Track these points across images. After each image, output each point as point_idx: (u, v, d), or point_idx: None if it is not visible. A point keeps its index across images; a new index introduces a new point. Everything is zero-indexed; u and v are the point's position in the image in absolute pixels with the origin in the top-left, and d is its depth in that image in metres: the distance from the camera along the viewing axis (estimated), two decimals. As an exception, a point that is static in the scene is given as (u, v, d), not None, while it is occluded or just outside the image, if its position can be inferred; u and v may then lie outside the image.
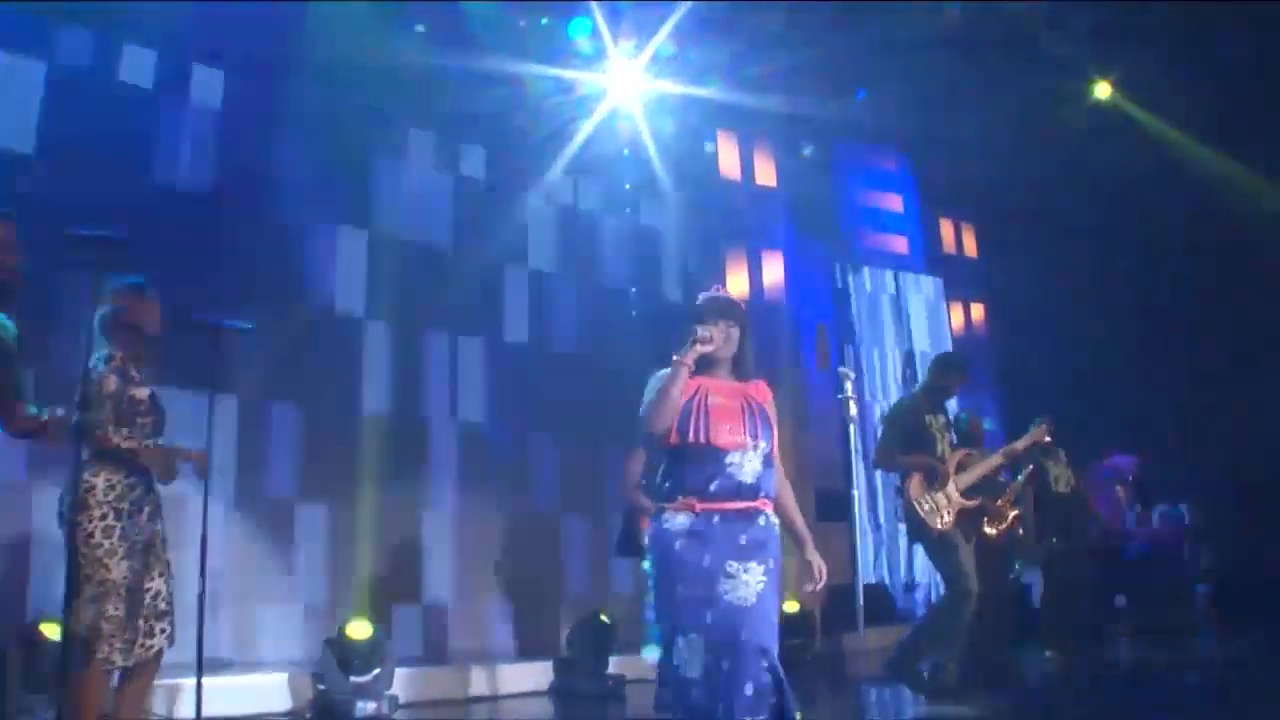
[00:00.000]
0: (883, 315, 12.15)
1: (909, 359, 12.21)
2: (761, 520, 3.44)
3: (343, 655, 6.40)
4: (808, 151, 11.64)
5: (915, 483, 6.33)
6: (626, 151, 10.32)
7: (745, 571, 3.34)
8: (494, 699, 7.21)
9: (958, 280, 12.99)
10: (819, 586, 3.68)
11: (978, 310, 13.22)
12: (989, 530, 6.90)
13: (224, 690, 6.18)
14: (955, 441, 6.72)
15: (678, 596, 3.35)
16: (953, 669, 6.27)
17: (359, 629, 6.47)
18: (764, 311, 10.61)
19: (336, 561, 7.82)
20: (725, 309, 3.60)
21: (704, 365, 3.52)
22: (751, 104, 10.32)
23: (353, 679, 6.37)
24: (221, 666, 6.97)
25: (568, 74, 9.80)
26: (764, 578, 3.36)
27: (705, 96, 10.16)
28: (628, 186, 10.44)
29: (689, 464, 3.42)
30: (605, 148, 10.07)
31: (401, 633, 7.86)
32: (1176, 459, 11.28)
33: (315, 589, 7.70)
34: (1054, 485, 8.07)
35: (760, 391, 3.63)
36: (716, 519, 3.38)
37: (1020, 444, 6.93)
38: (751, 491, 3.42)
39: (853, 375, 5.28)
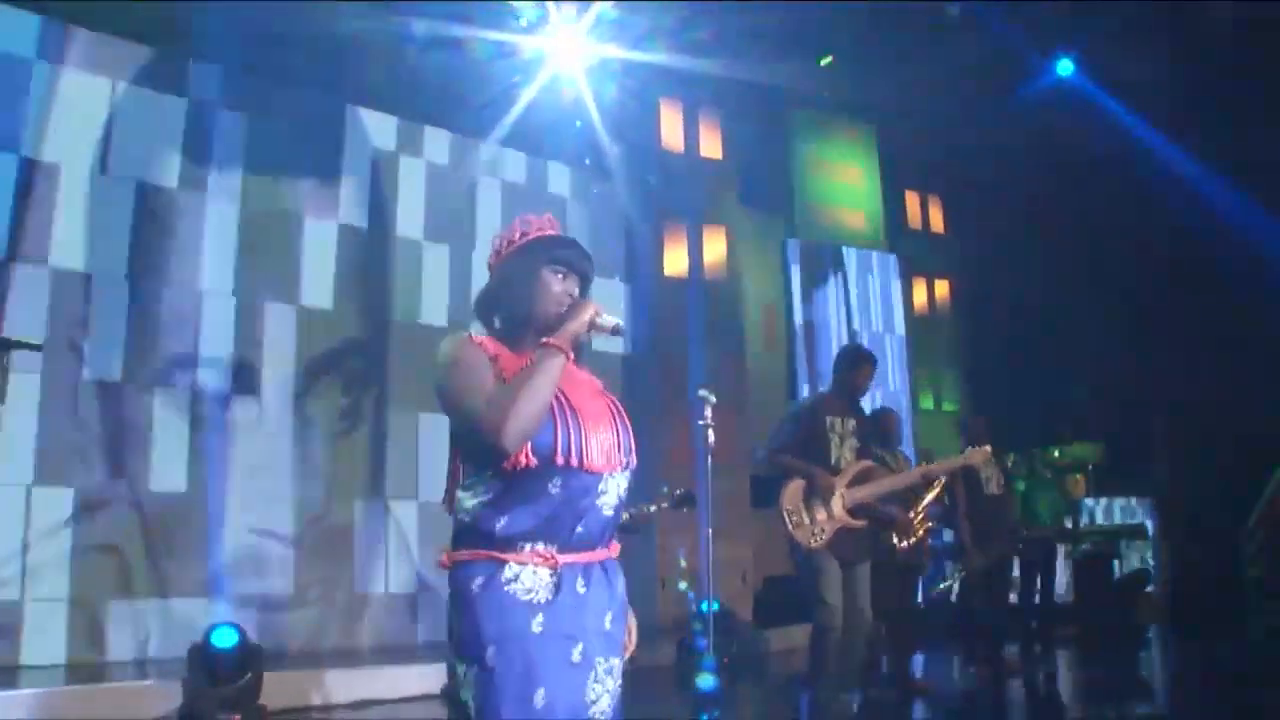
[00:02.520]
0: (836, 294, 11.68)
1: (857, 339, 11.76)
2: (620, 584, 2.44)
3: (207, 663, 6.10)
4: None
5: (790, 491, 5.61)
6: (579, 123, 9.87)
7: (610, 674, 2.33)
8: (378, 703, 6.88)
9: (922, 256, 12.51)
10: (626, 655, 2.52)
11: (942, 287, 12.74)
12: (897, 544, 6.50)
13: (87, 696, 6.02)
14: (860, 449, 5.85)
15: (538, 705, 2.18)
16: (841, 699, 5.82)
17: (224, 636, 6.14)
18: (705, 290, 10.19)
19: (207, 557, 7.49)
20: (581, 257, 2.50)
21: (529, 341, 2.40)
22: (699, 70, 9.84)
23: (218, 688, 6.09)
24: (85, 672, 6.72)
25: (508, 38, 9.36)
26: (621, 681, 2.38)
27: (650, 62, 9.71)
28: (587, 162, 9.99)
29: (548, 496, 2.27)
30: (544, 115, 9.63)
31: (280, 635, 7.60)
32: (1142, 450, 10.87)
33: (184, 586, 7.38)
34: (985, 486, 7.62)
35: (591, 378, 2.59)
36: (580, 582, 2.29)
37: (944, 465, 6.42)
38: (612, 531, 2.41)
39: (713, 399, 4.75)
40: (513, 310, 2.45)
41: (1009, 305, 11.50)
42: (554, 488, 2.27)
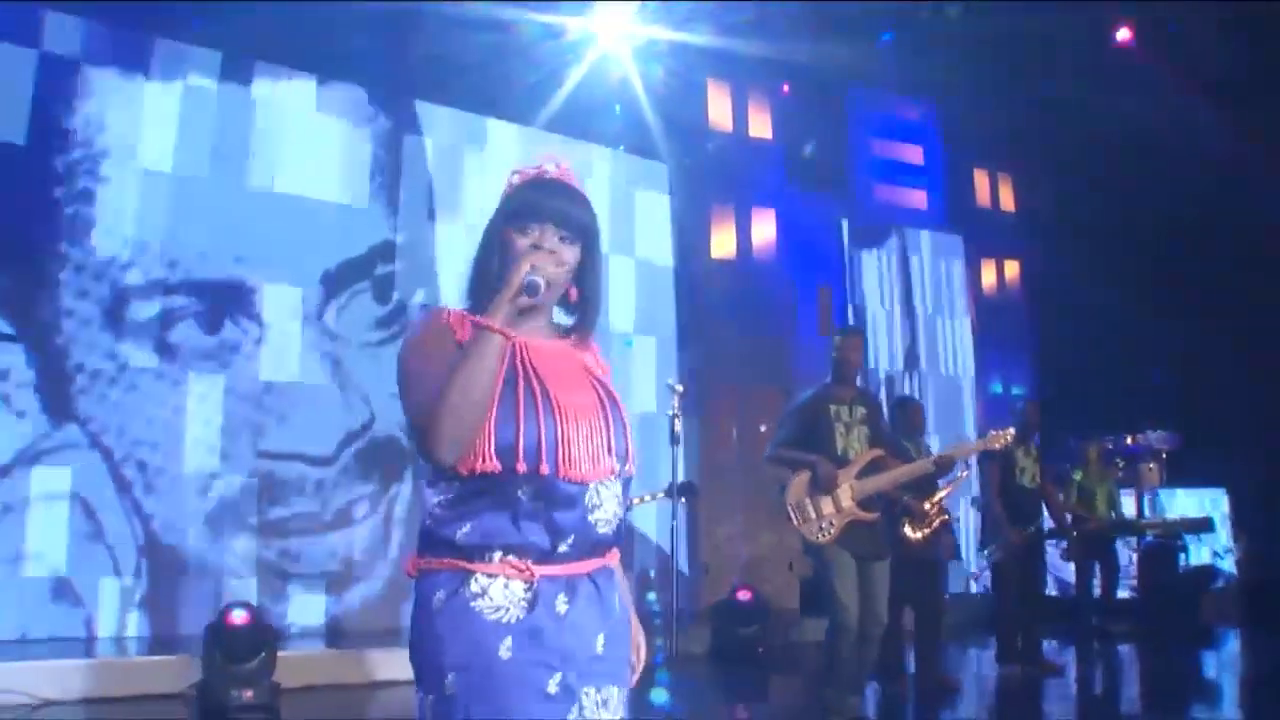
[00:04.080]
0: (894, 275, 11.37)
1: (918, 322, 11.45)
2: (617, 600, 2.05)
3: (223, 641, 6.26)
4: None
5: (796, 485, 5.42)
6: (618, 108, 9.79)
7: (603, 706, 1.95)
8: (398, 685, 6.91)
9: (991, 236, 12.09)
10: (633, 677, 2.16)
11: (1012, 267, 12.31)
12: (911, 534, 6.28)
13: (107, 670, 6.23)
14: (872, 437, 5.59)
15: None
16: (851, 702, 5.62)
17: (239, 614, 6.29)
18: (752, 272, 10.03)
19: (234, 537, 7.58)
20: (563, 207, 2.03)
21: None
22: (749, 50, 9.65)
23: (233, 665, 6.24)
24: (107, 645, 6.97)
25: (550, 19, 9.32)
26: (624, 713, 2.02)
27: (698, 42, 9.56)
28: (621, 148, 9.89)
29: (517, 505, 1.89)
30: (592, 100, 9.57)
31: (306, 614, 7.71)
32: (1219, 440, 10.34)
33: (213, 563, 7.49)
34: (1018, 477, 7.32)
35: (598, 360, 2.16)
36: (563, 599, 1.92)
37: (959, 450, 6.15)
38: (608, 543, 2.01)
39: (681, 389, 4.63)
40: (481, 280, 2.03)
41: (1082, 287, 11.01)
42: (524, 496, 1.89)
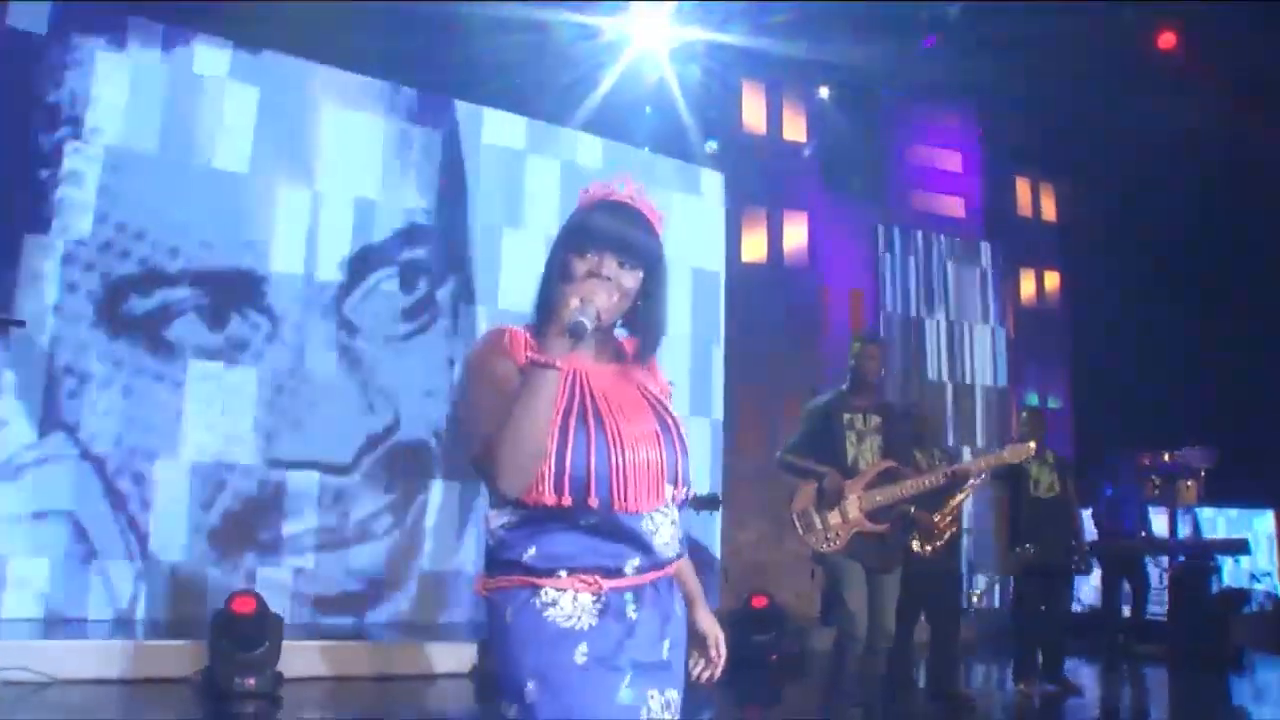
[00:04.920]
0: (929, 283, 11.19)
1: (952, 331, 11.26)
2: (677, 604, 2.10)
3: (229, 628, 6.30)
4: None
5: (803, 494, 5.26)
6: (649, 109, 9.75)
7: (667, 709, 2.01)
8: (403, 679, 6.94)
9: (1031, 245, 11.88)
10: (715, 673, 2.25)
11: (1052, 278, 12.07)
12: (918, 549, 6.13)
13: (117, 652, 6.28)
14: (886, 448, 5.40)
15: None
16: (855, 714, 5.49)
17: (243, 603, 6.33)
18: (783, 276, 9.93)
19: (242, 556, 7.41)
20: (623, 232, 2.00)
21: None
22: (784, 52, 9.56)
23: (238, 653, 6.29)
24: (118, 628, 6.96)
25: (586, 19, 9.31)
26: (679, 716, 2.07)
27: (733, 44, 9.50)
28: (646, 149, 9.83)
29: (580, 530, 1.95)
30: (626, 100, 9.54)
31: (320, 605, 7.57)
32: (1264, 458, 10.04)
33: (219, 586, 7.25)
34: (1033, 490, 7.09)
35: (657, 379, 2.16)
36: (631, 607, 1.97)
37: (976, 464, 5.96)
38: (669, 559, 2.05)
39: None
40: (543, 301, 2.01)
41: (1123, 299, 10.77)
42: (585, 522, 1.94)
